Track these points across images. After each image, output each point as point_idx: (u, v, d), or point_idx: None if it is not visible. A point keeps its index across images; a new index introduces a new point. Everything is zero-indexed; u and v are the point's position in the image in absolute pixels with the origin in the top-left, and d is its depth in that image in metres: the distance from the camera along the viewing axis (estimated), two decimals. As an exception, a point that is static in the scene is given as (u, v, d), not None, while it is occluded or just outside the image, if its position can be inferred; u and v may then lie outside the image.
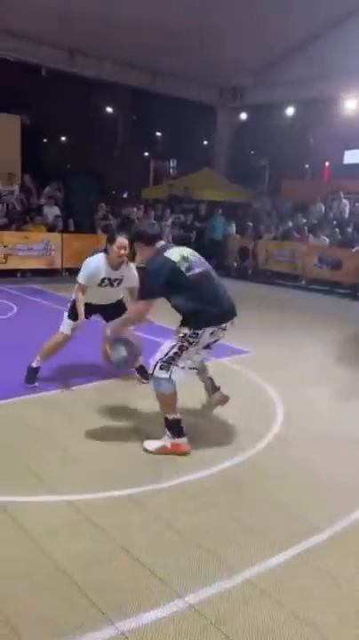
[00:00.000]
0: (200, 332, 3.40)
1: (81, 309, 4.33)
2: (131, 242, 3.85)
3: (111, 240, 4.29)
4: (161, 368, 3.41)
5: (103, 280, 4.40)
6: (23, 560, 2.47)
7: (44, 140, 19.23)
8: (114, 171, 24.62)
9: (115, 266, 4.37)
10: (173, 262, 3.38)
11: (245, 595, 2.31)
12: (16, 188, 13.27)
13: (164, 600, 2.25)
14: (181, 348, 3.40)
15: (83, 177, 15.75)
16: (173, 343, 3.41)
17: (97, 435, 3.82)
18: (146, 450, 3.55)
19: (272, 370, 5.47)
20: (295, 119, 22.08)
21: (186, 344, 3.40)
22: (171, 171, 26.76)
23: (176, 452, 3.51)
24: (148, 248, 3.52)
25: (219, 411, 4.04)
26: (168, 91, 17.02)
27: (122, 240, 4.23)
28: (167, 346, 3.42)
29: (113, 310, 4.50)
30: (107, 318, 4.51)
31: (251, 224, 14.44)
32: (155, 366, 3.43)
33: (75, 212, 13.87)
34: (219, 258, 13.37)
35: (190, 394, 3.83)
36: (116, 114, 28.05)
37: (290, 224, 13.74)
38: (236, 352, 5.90)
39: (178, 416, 3.52)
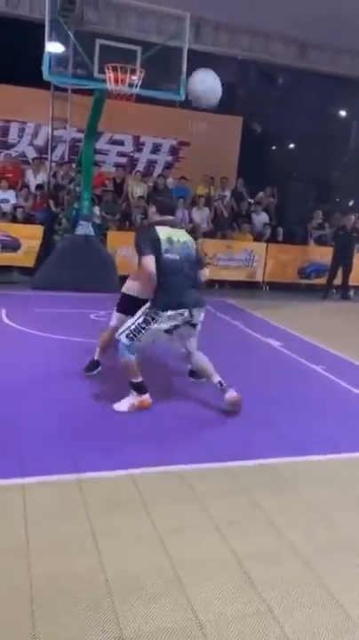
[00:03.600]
0: (160, 311, 3.90)
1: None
2: (148, 200, 4.01)
3: None
4: (127, 337, 3.97)
5: None
6: None
7: (265, 144, 18.28)
8: (341, 177, 22.63)
9: None
10: (157, 239, 3.90)
11: None
12: (228, 193, 12.57)
13: None
14: (146, 322, 3.92)
15: (302, 183, 14.41)
16: (138, 315, 3.96)
17: None
18: (117, 410, 4.05)
19: None
20: None
21: (149, 318, 3.92)
22: None
23: (142, 406, 4.11)
24: (156, 214, 4.11)
25: None
26: None
27: None
28: (134, 319, 3.98)
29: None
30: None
31: None
32: (121, 334, 4.00)
33: (286, 220, 12.65)
34: None
35: None
36: (350, 117, 25.99)
37: None
38: None
39: (140, 379, 4.11)
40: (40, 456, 3.33)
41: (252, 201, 12.73)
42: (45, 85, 12.16)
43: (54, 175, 11.96)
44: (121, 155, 13.55)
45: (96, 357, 4.86)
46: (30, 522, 2.68)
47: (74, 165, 12.21)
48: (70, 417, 3.96)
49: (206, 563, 2.48)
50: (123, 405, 4.10)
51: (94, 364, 4.88)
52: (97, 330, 6.35)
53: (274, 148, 18.20)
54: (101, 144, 13.28)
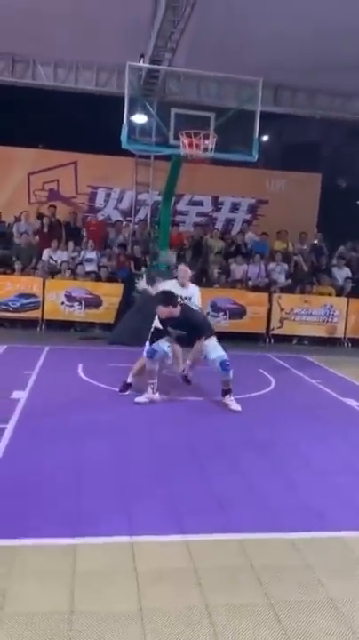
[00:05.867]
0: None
1: None
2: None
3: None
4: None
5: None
6: None
7: (347, 198, 18.07)
8: None
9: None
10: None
11: None
12: (306, 247, 12.44)
13: None
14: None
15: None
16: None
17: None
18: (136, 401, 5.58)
19: None
20: None
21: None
22: None
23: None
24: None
25: None
26: None
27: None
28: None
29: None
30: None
31: None
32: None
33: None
34: None
35: None
36: None
37: None
38: None
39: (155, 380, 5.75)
40: (95, 515, 3.29)
41: (329, 254, 12.50)
42: (130, 153, 12.98)
43: (134, 234, 12.49)
44: (200, 215, 13.95)
45: (129, 381, 5.89)
46: (77, 585, 2.62)
47: (156, 226, 12.73)
48: (132, 475, 3.91)
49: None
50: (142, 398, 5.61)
51: (127, 386, 5.89)
52: (167, 385, 6.41)
53: (344, 203, 17.97)
54: (182, 205, 13.79)
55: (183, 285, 6.06)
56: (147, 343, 5.86)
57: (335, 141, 17.47)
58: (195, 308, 5.81)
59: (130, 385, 5.93)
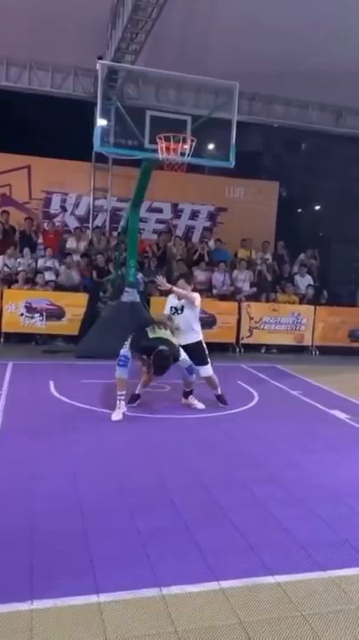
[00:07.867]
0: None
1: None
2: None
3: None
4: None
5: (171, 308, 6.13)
6: None
7: (300, 207, 18.33)
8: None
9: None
10: None
11: None
12: (269, 256, 12.42)
13: None
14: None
15: (347, 244, 14.19)
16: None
17: None
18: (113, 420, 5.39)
19: None
20: None
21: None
22: None
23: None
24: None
25: None
26: None
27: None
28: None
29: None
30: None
31: None
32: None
33: (331, 281, 12.35)
34: None
35: None
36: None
37: None
38: None
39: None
40: (115, 565, 2.90)
41: (289, 264, 12.57)
42: (87, 157, 12.52)
43: (91, 242, 12.02)
44: (160, 222, 13.63)
45: (137, 391, 5.98)
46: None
47: (114, 233, 12.31)
48: (138, 510, 3.53)
49: None
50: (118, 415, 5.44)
51: (135, 397, 5.96)
52: (149, 402, 6.07)
53: (314, 212, 18.22)
54: (141, 212, 13.36)
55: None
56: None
57: (291, 150, 17.69)
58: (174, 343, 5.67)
59: (138, 396, 5.99)
